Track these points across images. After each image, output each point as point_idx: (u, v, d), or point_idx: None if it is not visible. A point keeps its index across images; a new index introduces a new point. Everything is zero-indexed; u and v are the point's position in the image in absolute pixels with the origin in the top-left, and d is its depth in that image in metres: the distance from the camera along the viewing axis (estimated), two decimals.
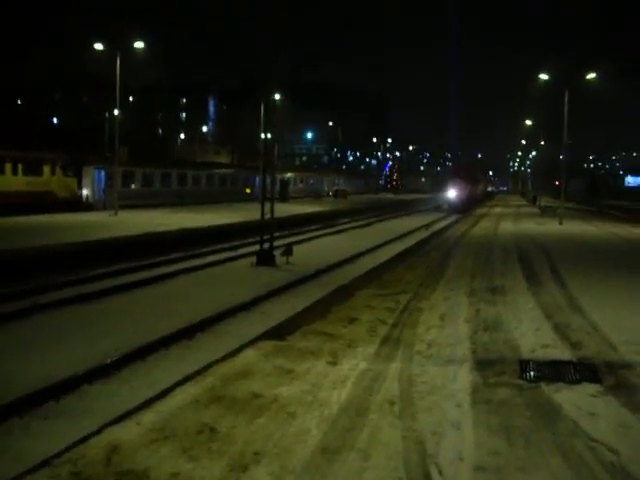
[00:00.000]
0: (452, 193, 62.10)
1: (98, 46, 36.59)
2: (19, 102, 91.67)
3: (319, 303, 12.52)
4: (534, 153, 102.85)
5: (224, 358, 8.22)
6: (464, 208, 57.25)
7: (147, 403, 6.73)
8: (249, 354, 8.34)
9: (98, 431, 6.06)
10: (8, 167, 36.58)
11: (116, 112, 38.18)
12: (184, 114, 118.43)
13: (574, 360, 8.18)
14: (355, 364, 7.88)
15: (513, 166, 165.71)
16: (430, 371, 7.63)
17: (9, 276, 17.27)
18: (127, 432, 5.90)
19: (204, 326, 12.96)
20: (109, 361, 10.28)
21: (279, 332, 9.60)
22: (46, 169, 39.13)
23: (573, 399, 6.72)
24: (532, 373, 7.63)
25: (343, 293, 13.18)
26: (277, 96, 62.63)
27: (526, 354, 8.45)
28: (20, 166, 37.20)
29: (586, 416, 6.25)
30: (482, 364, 7.93)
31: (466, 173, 68.31)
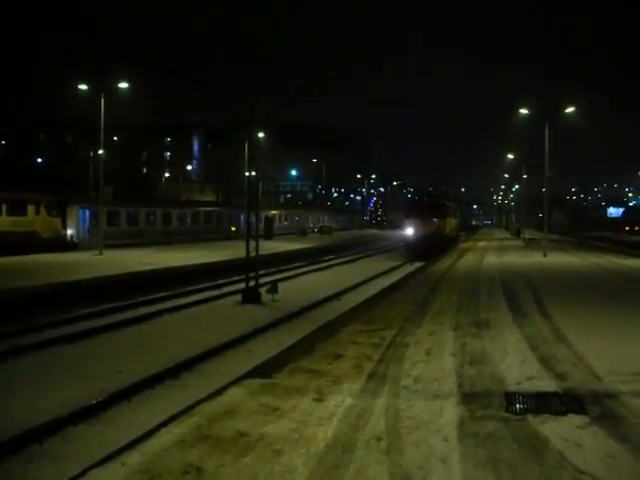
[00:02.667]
0: (410, 232, 47.46)
1: (82, 87, 36.78)
2: (3, 142, 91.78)
3: (305, 340, 12.49)
4: (517, 186, 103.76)
5: (210, 397, 8.18)
6: (427, 251, 42.35)
7: (132, 444, 6.67)
8: (235, 392, 8.30)
9: (82, 473, 6.01)
10: None
11: (100, 152, 38.24)
12: (168, 153, 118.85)
13: (560, 391, 8.19)
14: (341, 400, 7.85)
15: (497, 199, 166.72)
16: (417, 406, 7.61)
17: None
18: (112, 474, 5.85)
19: (190, 365, 12.90)
20: (94, 402, 10.20)
21: (265, 370, 9.56)
22: (30, 209, 39.02)
23: (559, 431, 6.72)
24: (518, 405, 7.63)
25: (329, 329, 13.16)
26: (261, 134, 63.01)
27: (512, 387, 8.45)
28: (4, 206, 37.10)
29: (573, 447, 6.25)
30: (468, 398, 7.92)
31: (430, 205, 50.54)
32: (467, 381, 8.77)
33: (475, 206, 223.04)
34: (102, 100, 35.78)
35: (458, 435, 6.61)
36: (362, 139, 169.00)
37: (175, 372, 12.33)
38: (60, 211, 41.70)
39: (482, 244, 59.23)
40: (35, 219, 39.28)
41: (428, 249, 43.31)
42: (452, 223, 56.56)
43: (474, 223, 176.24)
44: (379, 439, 6.53)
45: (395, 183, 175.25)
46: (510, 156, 76.29)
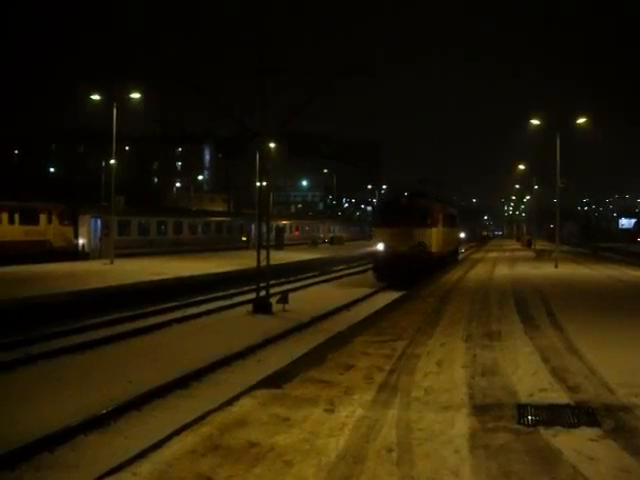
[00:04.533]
0: (380, 247, 33.02)
1: (95, 97, 37.00)
2: (16, 152, 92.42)
3: (316, 350, 12.46)
4: (528, 197, 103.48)
5: (220, 407, 8.16)
6: (403, 277, 29.96)
7: (143, 453, 6.66)
8: (245, 403, 8.28)
9: None
10: (5, 217, 36.70)
11: (112, 162, 38.42)
12: (180, 163, 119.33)
13: (572, 404, 8.14)
14: (352, 411, 7.82)
15: (508, 210, 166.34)
16: (428, 417, 7.57)
17: (1, 326, 17.20)
18: None
19: (200, 375, 12.90)
20: (104, 412, 10.20)
21: (276, 380, 9.54)
22: (43, 218, 39.24)
23: (572, 443, 6.67)
24: (530, 417, 7.58)
25: (340, 340, 13.13)
26: (272, 144, 63.15)
27: (524, 398, 8.40)
28: (17, 215, 37.32)
29: (586, 461, 6.19)
30: (480, 409, 7.88)
31: (410, 209, 33.64)
32: (478, 392, 8.73)
33: (486, 217, 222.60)
34: (114, 111, 35.96)
35: (469, 447, 6.57)
36: (373, 150, 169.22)
37: (185, 382, 12.33)
38: (72, 220, 41.92)
39: (493, 255, 59.02)
40: (47, 228, 39.49)
41: (405, 274, 29.79)
42: (445, 235, 38.00)
43: (485, 234, 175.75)
44: (390, 450, 6.50)
45: (405, 194, 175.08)
46: (521, 167, 76.17)
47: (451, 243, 43.67)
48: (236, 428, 7.22)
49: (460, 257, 61.30)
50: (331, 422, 7.41)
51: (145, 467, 6.17)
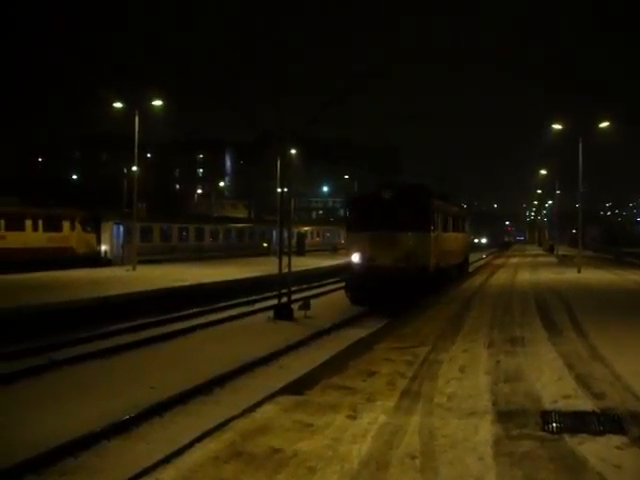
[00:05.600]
0: (355, 259, 24.36)
1: (117, 105, 37.26)
2: (39, 159, 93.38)
3: (338, 357, 12.45)
4: (550, 202, 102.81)
5: (243, 413, 8.17)
6: (387, 300, 22.64)
7: (166, 459, 6.69)
8: (268, 409, 8.28)
9: None
10: (28, 223, 37.07)
11: (134, 168, 38.67)
12: (201, 170, 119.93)
13: (597, 411, 8.05)
14: (375, 418, 7.80)
15: (529, 215, 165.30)
16: (451, 424, 7.53)
17: (25, 332, 17.36)
18: None
19: (222, 381, 12.92)
20: (127, 417, 10.25)
21: (298, 387, 9.53)
22: (66, 225, 39.59)
23: (598, 451, 6.60)
24: (555, 424, 7.51)
25: (361, 346, 13.10)
26: (293, 151, 63.34)
27: (548, 405, 8.33)
28: (40, 222, 37.67)
29: (612, 469, 6.13)
30: (503, 416, 7.82)
31: (398, 205, 24.13)
32: (502, 399, 8.67)
33: (507, 222, 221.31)
34: (137, 118, 36.20)
35: (494, 454, 6.53)
36: (391, 154, 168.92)
37: (207, 388, 12.36)
38: (94, 227, 42.23)
39: (515, 260, 58.63)
40: (70, 235, 39.83)
41: (389, 299, 22.24)
42: (449, 242, 28.64)
43: (506, 239, 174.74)
44: (413, 457, 6.47)
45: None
46: (543, 172, 75.69)
47: (457, 252, 32.14)
48: (259, 434, 7.22)
49: (481, 263, 60.94)
50: (354, 429, 7.39)
51: (169, 473, 6.19)
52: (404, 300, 21.29)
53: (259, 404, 8.57)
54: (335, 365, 11.14)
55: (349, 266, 24.37)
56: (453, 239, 30.59)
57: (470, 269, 46.77)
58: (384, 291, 22.41)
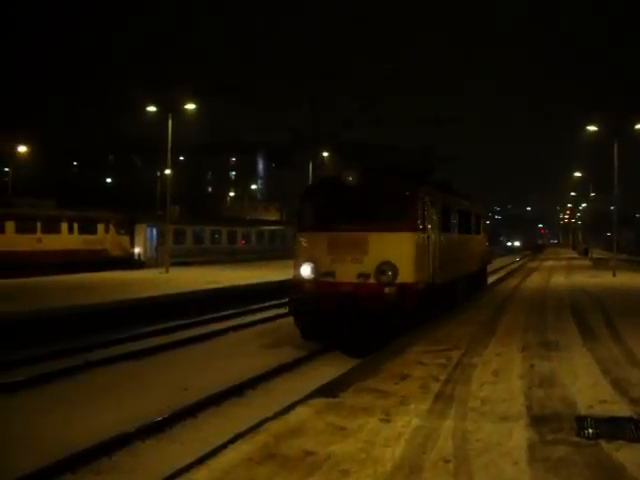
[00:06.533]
0: (305, 272, 16.11)
1: (150, 109, 37.61)
2: (75, 163, 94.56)
3: (371, 360, 12.42)
4: (584, 205, 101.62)
5: (276, 415, 8.20)
6: (349, 335, 15.13)
7: (200, 460, 6.75)
8: (301, 411, 8.30)
9: None
10: (64, 226, 37.63)
11: (168, 171, 39.00)
12: (233, 172, 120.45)
13: (635, 417, 7.94)
14: (408, 421, 7.78)
15: (563, 218, 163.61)
16: (485, 428, 7.48)
17: (61, 334, 17.59)
18: None
19: (255, 383, 12.95)
20: (160, 418, 10.32)
21: (331, 389, 9.54)
22: (100, 228, 40.11)
23: (635, 458, 6.51)
24: (590, 430, 7.42)
25: (394, 349, 13.06)
26: (325, 154, 63.44)
27: (583, 410, 8.24)
28: (76, 225, 38.20)
29: None
30: (538, 421, 7.76)
31: (371, 196, 16.17)
32: (536, 404, 8.59)
33: (541, 225, 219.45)
34: (170, 121, 36.51)
35: (528, 459, 6.47)
36: (427, 156, 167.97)
37: (240, 390, 12.40)
38: (128, 230, 42.71)
39: (549, 264, 58.07)
40: (104, 237, 40.34)
41: (355, 331, 15.13)
42: (454, 247, 20.65)
43: (540, 242, 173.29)
44: (447, 461, 6.44)
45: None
46: (577, 174, 74.85)
47: (468, 261, 23.84)
48: (292, 437, 7.24)
49: (514, 266, 60.35)
50: (387, 432, 7.38)
51: (202, 474, 6.24)
52: (376, 337, 14.52)
53: (292, 406, 8.60)
54: (368, 368, 11.11)
55: (296, 283, 16.47)
56: (460, 243, 22.15)
57: (503, 272, 46.35)
58: (347, 323, 15.09)
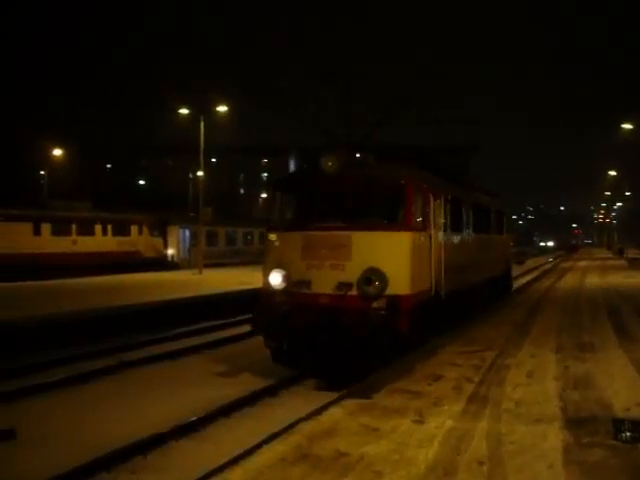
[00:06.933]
0: (274, 281, 13.17)
1: (182, 111, 37.89)
2: (108, 166, 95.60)
3: (404, 361, 12.39)
4: (619, 204, 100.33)
5: (309, 416, 8.23)
6: (328, 359, 12.37)
7: (234, 460, 6.79)
8: (334, 412, 8.31)
9: None
10: (98, 228, 38.10)
11: (200, 173, 39.25)
12: (265, 174, 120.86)
13: None
14: (441, 422, 7.75)
15: (597, 218, 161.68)
16: (519, 430, 7.43)
17: (95, 334, 17.79)
18: None
19: (288, 384, 12.97)
20: (194, 418, 10.39)
21: (364, 390, 9.54)
22: (134, 229, 40.54)
23: None
24: (628, 433, 7.30)
25: (427, 350, 13.02)
26: (357, 155, 63.28)
27: (620, 413, 8.13)
28: (109, 227, 38.65)
29: None
30: (573, 423, 7.68)
31: (355, 187, 13.18)
32: (571, 406, 8.51)
33: (574, 225, 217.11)
34: (202, 123, 36.75)
35: (563, 462, 6.41)
36: (462, 159, 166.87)
37: (274, 390, 12.44)
38: (161, 231, 43.10)
39: (583, 264, 57.40)
40: (138, 239, 40.77)
41: (330, 355, 12.31)
42: (467, 249, 17.81)
43: (573, 242, 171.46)
44: (481, 463, 6.41)
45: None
46: (612, 173, 73.95)
47: (486, 266, 20.94)
48: (325, 437, 7.26)
49: (548, 266, 59.81)
50: (420, 433, 7.37)
51: (236, 474, 6.27)
52: (362, 363, 11.88)
53: (325, 407, 8.61)
54: (401, 369, 11.07)
55: (265, 295, 13.74)
56: (477, 244, 19.20)
57: (536, 273, 45.91)
58: (325, 344, 12.28)
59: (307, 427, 7.67)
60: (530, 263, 69.25)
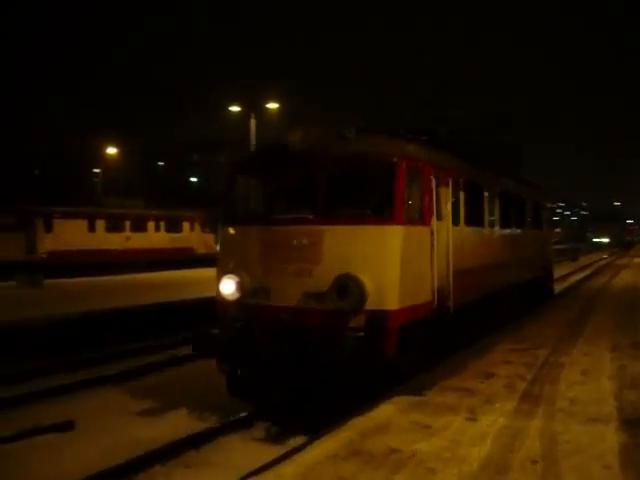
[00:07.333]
0: (225, 290, 10.51)
1: (233, 108, 38.14)
2: (161, 163, 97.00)
3: (455, 358, 12.31)
4: None
5: (361, 412, 8.23)
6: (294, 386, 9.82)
7: (286, 455, 6.83)
8: (385, 409, 8.30)
9: None
10: (151, 225, 38.67)
11: None
12: None
13: None
14: (494, 420, 7.69)
15: None
16: (574, 429, 7.32)
17: (148, 330, 18.03)
18: None
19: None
20: (245, 414, 10.44)
21: (415, 387, 9.50)
22: (185, 226, 41.05)
23: None
24: None
25: (478, 348, 12.91)
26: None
27: None
28: (162, 224, 39.18)
29: None
30: (630, 424, 7.52)
31: (329, 167, 10.19)
32: (628, 405, 8.34)
33: (630, 221, 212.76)
34: (252, 120, 36.95)
35: (620, 463, 6.29)
36: (514, 151, 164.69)
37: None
38: (213, 227, 43.51)
39: (638, 261, 56.17)
40: (190, 235, 41.26)
41: (296, 385, 9.81)
42: (490, 248, 14.79)
43: (629, 239, 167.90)
44: (534, 462, 6.34)
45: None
46: None
47: (518, 268, 17.69)
48: (377, 434, 7.25)
49: (603, 262, 58.71)
50: (472, 431, 7.32)
51: (288, 469, 6.32)
52: (336, 397, 9.39)
53: (377, 404, 8.60)
54: (453, 366, 11.01)
55: (220, 305, 10.98)
56: (504, 241, 16.14)
57: (589, 270, 45.09)
58: (289, 373, 9.69)
59: (358, 423, 7.67)
60: (583, 260, 68.13)
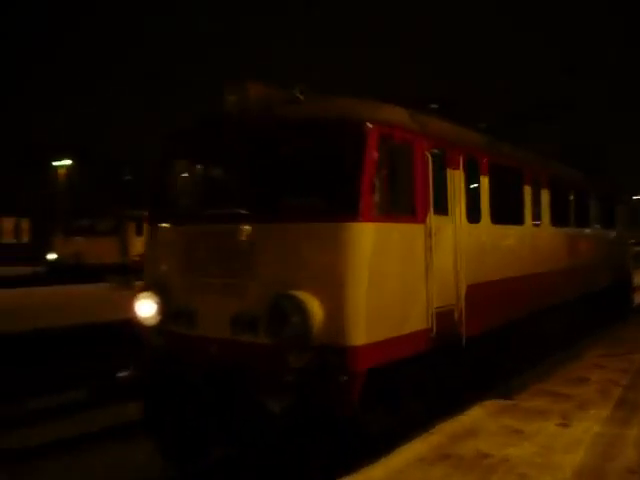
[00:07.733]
0: (144, 308, 7.82)
1: None
2: None
3: (547, 362, 12.05)
4: None
5: (450, 416, 8.14)
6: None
7: (376, 459, 6.81)
8: (475, 413, 8.19)
9: None
10: None
11: None
12: None
13: None
14: (588, 427, 7.47)
15: None
16: None
17: None
18: None
19: None
20: None
21: (506, 391, 9.35)
22: None
23: None
24: None
25: (571, 352, 12.59)
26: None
27: None
28: None
29: None
30: None
31: (273, 145, 7.43)
32: None
33: None
34: None
35: None
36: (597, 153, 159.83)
37: None
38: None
39: None
40: None
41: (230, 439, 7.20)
42: (527, 252, 11.47)
43: None
44: (632, 472, 6.12)
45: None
46: None
47: (575, 278, 14.46)
48: (466, 438, 7.17)
49: None
50: (565, 437, 7.14)
51: (378, 472, 6.30)
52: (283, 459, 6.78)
53: (467, 407, 8.50)
54: (544, 370, 10.79)
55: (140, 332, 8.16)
56: (556, 244, 13.44)
57: None
58: (222, 422, 7.19)
59: (447, 427, 7.59)
60: None
